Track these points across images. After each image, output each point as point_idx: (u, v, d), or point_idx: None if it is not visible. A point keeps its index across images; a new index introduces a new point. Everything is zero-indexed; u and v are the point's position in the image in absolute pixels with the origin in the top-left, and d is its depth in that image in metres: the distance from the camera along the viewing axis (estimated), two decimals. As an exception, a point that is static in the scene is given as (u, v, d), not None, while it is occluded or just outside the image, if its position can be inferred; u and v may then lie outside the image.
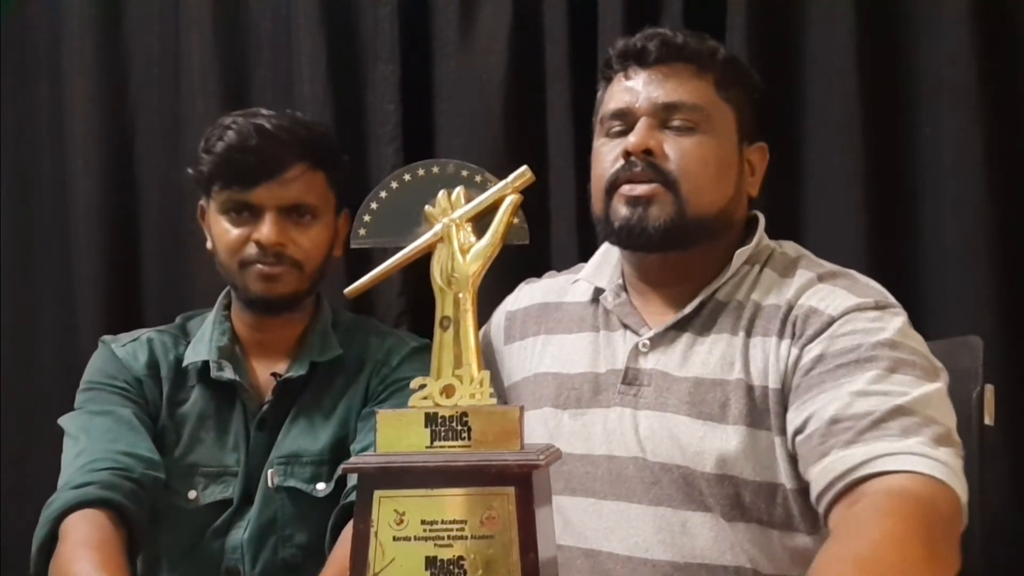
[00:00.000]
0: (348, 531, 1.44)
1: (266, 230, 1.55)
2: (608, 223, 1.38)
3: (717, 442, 1.30)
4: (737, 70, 1.44)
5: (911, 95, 1.75)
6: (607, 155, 1.39)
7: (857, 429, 1.18)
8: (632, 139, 1.35)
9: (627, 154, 1.35)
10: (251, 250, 1.57)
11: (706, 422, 1.31)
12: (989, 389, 1.42)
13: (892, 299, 1.33)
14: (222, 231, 1.59)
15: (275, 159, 1.55)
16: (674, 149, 1.35)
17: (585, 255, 1.60)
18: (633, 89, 1.38)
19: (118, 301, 2.09)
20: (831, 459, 1.18)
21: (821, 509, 1.20)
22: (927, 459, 1.13)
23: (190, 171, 1.63)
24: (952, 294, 1.69)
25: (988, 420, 1.41)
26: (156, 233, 2.10)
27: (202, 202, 1.65)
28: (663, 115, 1.36)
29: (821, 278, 1.35)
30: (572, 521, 1.37)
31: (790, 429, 1.27)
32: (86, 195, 2.10)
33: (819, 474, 1.19)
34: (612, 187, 1.37)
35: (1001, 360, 1.62)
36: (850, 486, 1.15)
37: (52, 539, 1.41)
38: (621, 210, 1.36)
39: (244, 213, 1.57)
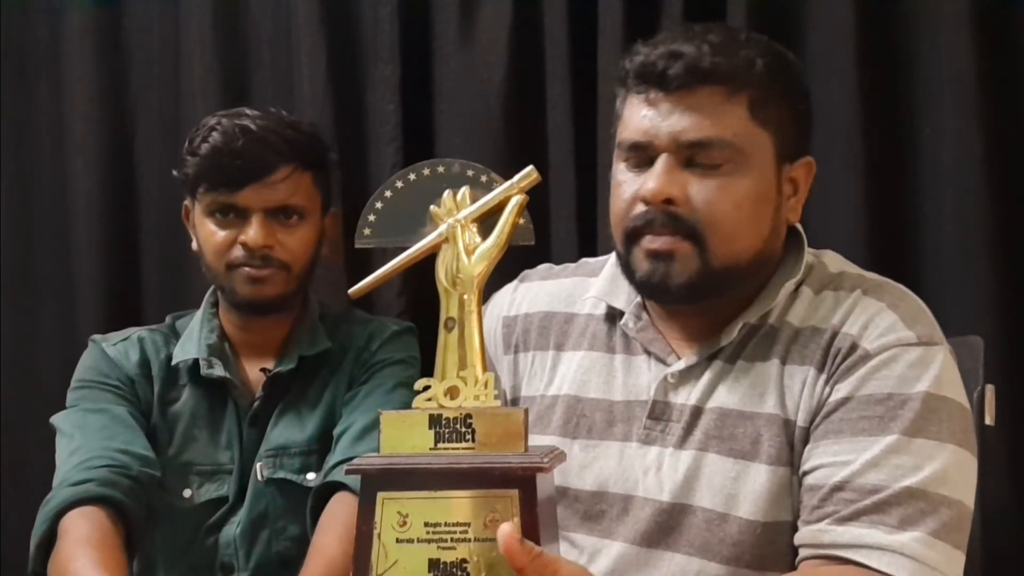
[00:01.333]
0: (326, 518, 1.46)
1: (253, 232, 1.55)
2: (629, 271, 1.27)
3: (751, 483, 1.21)
4: (778, 81, 1.24)
5: (911, 95, 1.74)
6: (626, 191, 1.25)
7: (857, 507, 1.13)
8: (650, 185, 1.21)
9: (645, 200, 1.22)
10: (237, 252, 1.57)
11: (738, 460, 1.22)
12: (989, 389, 1.42)
13: (936, 327, 1.24)
14: (208, 233, 1.59)
15: (261, 161, 1.55)
16: (699, 193, 1.20)
17: (585, 255, 1.59)
18: (653, 118, 1.22)
19: (118, 301, 2.09)
20: (822, 527, 1.14)
21: (799, 553, 1.17)
22: (914, 562, 1.10)
23: (175, 172, 1.63)
24: (952, 294, 1.69)
25: (988, 420, 1.41)
26: (156, 233, 2.10)
27: (186, 202, 1.65)
28: (687, 152, 1.21)
29: (866, 292, 1.24)
30: (586, 556, 1.29)
31: (801, 467, 1.20)
32: (86, 195, 2.10)
33: (808, 533, 1.16)
34: (632, 236, 1.24)
35: (1001, 360, 1.61)
36: (830, 557, 1.13)
37: (51, 536, 1.41)
38: (642, 264, 1.24)
39: (230, 215, 1.57)
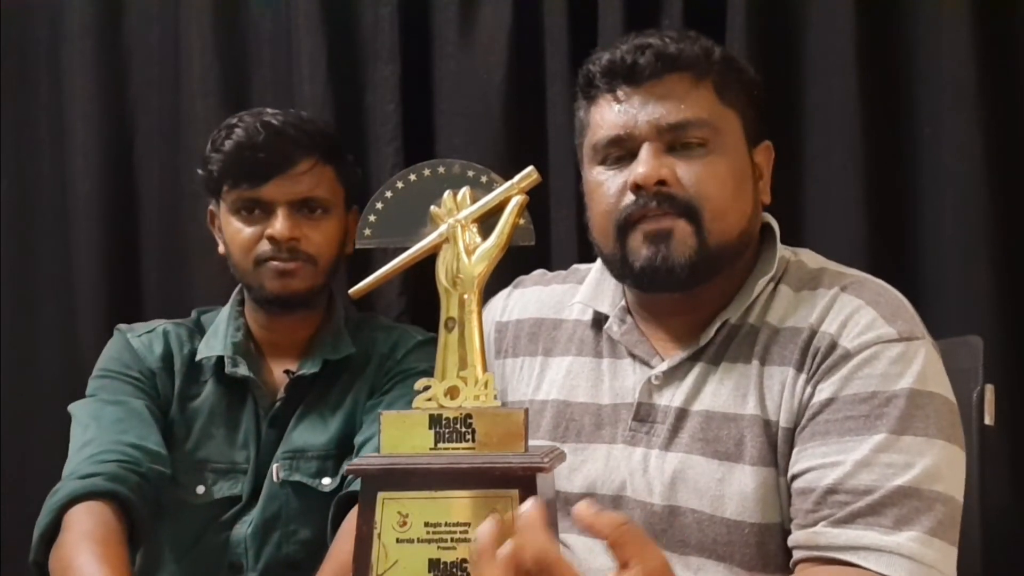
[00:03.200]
0: (347, 525, 1.45)
1: (279, 225, 1.56)
2: (626, 264, 1.26)
3: (736, 484, 1.21)
4: (734, 68, 1.31)
5: (911, 95, 1.74)
6: (610, 188, 1.26)
7: (852, 509, 1.12)
8: (641, 170, 1.22)
9: (636, 187, 1.23)
10: (264, 247, 1.57)
11: (723, 462, 1.22)
12: (989, 389, 1.41)
13: (918, 322, 1.23)
14: (234, 231, 1.59)
15: (283, 154, 1.56)
16: (688, 173, 1.23)
17: (584, 254, 1.60)
18: (628, 111, 1.25)
19: (118, 301, 2.09)
20: (817, 530, 1.14)
21: (794, 555, 1.17)
22: (911, 562, 1.10)
23: (200, 172, 1.63)
24: (952, 294, 1.69)
25: (988, 420, 1.41)
26: (156, 233, 2.10)
27: (211, 207, 1.66)
28: (669, 137, 1.23)
29: (844, 288, 1.25)
30: (579, 559, 1.27)
31: (790, 471, 1.20)
32: (86, 195, 2.10)
33: (803, 536, 1.16)
34: (626, 225, 1.25)
35: (1001, 360, 1.61)
36: (827, 560, 1.13)
37: (55, 528, 1.41)
38: (642, 250, 1.24)
39: (255, 211, 1.58)
